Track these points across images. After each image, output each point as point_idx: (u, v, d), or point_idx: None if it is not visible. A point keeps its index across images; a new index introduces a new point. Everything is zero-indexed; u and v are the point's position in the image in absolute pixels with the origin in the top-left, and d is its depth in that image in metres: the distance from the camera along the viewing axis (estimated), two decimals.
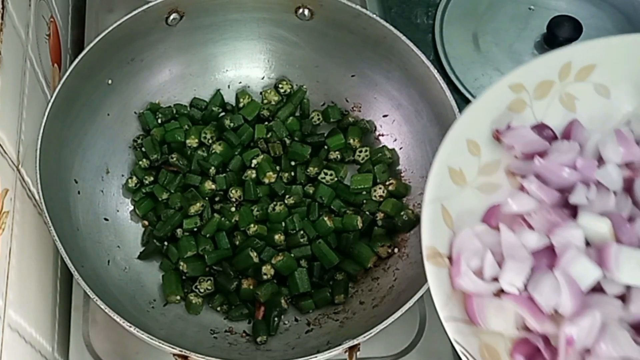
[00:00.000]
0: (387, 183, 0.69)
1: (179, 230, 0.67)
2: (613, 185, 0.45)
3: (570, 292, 0.40)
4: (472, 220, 0.45)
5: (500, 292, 0.42)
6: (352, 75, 0.72)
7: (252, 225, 0.67)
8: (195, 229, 0.67)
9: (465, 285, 0.42)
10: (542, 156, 0.46)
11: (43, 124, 0.58)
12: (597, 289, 0.41)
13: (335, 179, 0.70)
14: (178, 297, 0.65)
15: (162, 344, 0.52)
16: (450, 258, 0.43)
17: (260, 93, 0.75)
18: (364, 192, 0.70)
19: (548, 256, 0.42)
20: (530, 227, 0.44)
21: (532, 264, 0.42)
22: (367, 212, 0.68)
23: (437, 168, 0.45)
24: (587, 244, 0.43)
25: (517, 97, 0.47)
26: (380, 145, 0.72)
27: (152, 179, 0.70)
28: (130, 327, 0.53)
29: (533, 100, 0.48)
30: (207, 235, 0.67)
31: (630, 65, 0.47)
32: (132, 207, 0.70)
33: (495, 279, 0.42)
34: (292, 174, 0.71)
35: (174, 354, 0.53)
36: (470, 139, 0.46)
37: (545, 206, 0.44)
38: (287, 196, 0.69)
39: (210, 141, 0.71)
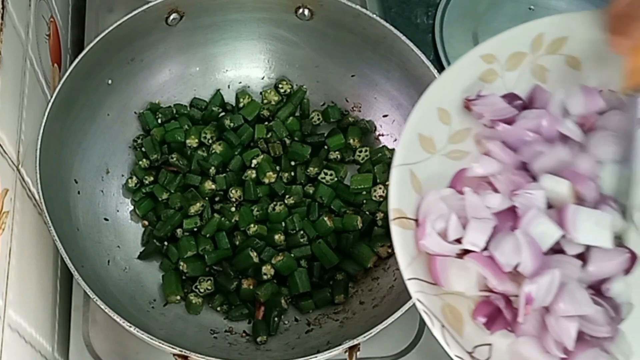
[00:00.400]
0: (387, 183, 0.69)
1: (179, 230, 0.67)
2: (575, 134, 0.45)
3: (531, 252, 0.41)
4: (440, 185, 0.46)
5: (464, 254, 0.43)
6: (352, 75, 0.72)
7: (252, 225, 0.67)
8: (195, 229, 0.67)
9: (429, 246, 0.42)
10: (510, 124, 0.46)
11: (43, 124, 0.58)
12: (558, 250, 0.42)
13: (335, 179, 0.70)
14: (178, 297, 0.65)
15: (162, 344, 0.52)
16: (416, 221, 0.44)
17: (260, 93, 0.75)
18: (364, 192, 0.70)
19: (511, 218, 0.43)
20: (495, 190, 0.45)
21: (494, 225, 0.42)
22: (367, 212, 0.68)
23: (407, 134, 0.45)
24: (550, 206, 0.44)
25: (489, 67, 0.48)
26: (380, 145, 0.72)
27: (152, 179, 0.70)
28: (130, 327, 0.53)
29: (504, 71, 0.48)
30: (207, 235, 0.67)
31: (600, 37, 0.47)
32: (132, 207, 0.70)
33: (459, 241, 0.42)
34: (292, 174, 0.71)
35: (174, 354, 0.53)
36: (441, 108, 0.47)
37: (509, 168, 0.45)
38: (287, 196, 0.69)
39: (210, 141, 0.71)
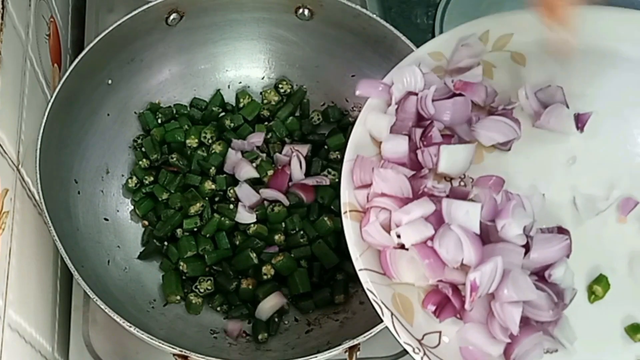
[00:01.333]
0: None
1: (179, 230, 0.67)
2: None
3: (472, 244, 0.42)
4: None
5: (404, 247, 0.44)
6: (352, 75, 0.72)
7: (252, 225, 0.67)
8: (195, 229, 0.67)
9: (371, 233, 0.44)
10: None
11: (43, 124, 0.58)
12: (503, 239, 0.43)
13: (336, 179, 0.70)
14: (178, 297, 0.65)
15: (162, 344, 0.52)
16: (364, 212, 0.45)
17: (260, 93, 0.75)
18: None
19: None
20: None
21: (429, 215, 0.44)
22: None
23: (357, 131, 0.47)
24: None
25: (437, 64, 0.49)
26: None
27: (152, 179, 0.70)
28: (130, 327, 0.53)
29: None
30: (207, 235, 0.67)
31: (543, 34, 0.48)
32: (132, 207, 0.70)
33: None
34: None
35: (174, 354, 0.53)
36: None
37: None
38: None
39: (210, 141, 0.71)
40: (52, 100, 0.59)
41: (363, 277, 0.43)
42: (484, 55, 0.50)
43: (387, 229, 0.44)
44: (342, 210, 0.45)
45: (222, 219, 0.67)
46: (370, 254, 0.44)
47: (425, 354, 0.41)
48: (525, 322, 0.42)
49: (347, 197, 0.45)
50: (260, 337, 0.63)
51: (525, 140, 0.49)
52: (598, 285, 0.46)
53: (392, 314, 0.42)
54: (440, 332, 0.43)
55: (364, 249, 0.44)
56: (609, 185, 0.49)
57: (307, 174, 0.70)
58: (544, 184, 0.48)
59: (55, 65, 0.71)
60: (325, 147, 0.72)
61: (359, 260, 0.43)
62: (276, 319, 0.65)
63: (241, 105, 0.74)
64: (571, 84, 0.49)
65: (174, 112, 0.73)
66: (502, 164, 0.48)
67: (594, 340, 0.44)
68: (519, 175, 0.48)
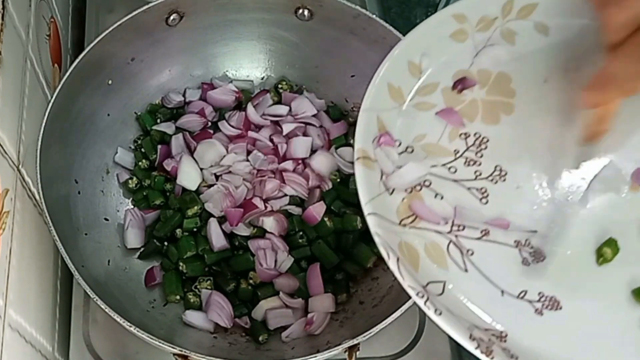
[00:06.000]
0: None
1: (178, 231, 0.67)
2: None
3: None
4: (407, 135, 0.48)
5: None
6: (352, 76, 0.72)
7: None
8: (195, 229, 0.67)
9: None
10: None
11: (43, 124, 0.58)
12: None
13: (337, 179, 0.70)
14: (178, 297, 0.65)
15: (162, 344, 0.52)
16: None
17: None
18: None
19: None
20: None
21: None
22: None
23: (377, 82, 0.48)
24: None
25: (460, 27, 0.50)
26: None
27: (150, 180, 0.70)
28: (130, 327, 0.53)
29: (475, 31, 0.50)
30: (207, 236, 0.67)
31: (567, 6, 0.49)
32: (132, 207, 0.70)
33: None
34: None
35: (174, 354, 0.53)
36: (411, 61, 0.49)
37: None
38: None
39: None
40: (52, 101, 0.59)
41: (371, 221, 0.43)
42: (508, 22, 0.50)
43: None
44: (355, 157, 0.45)
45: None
46: (380, 200, 0.44)
47: (428, 299, 0.41)
48: None
49: (362, 143, 0.45)
50: (260, 337, 0.63)
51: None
52: (608, 248, 0.46)
53: (397, 258, 0.42)
54: (444, 282, 0.43)
55: (373, 195, 0.44)
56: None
57: None
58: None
59: (56, 65, 0.71)
60: None
61: (369, 204, 0.43)
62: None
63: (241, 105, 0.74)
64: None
65: (174, 112, 0.73)
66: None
67: (599, 302, 0.44)
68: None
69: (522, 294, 0.44)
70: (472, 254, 0.45)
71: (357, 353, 0.55)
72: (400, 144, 0.47)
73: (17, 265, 0.52)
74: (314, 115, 0.72)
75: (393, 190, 0.46)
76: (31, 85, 0.60)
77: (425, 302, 0.41)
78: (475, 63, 0.50)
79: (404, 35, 0.64)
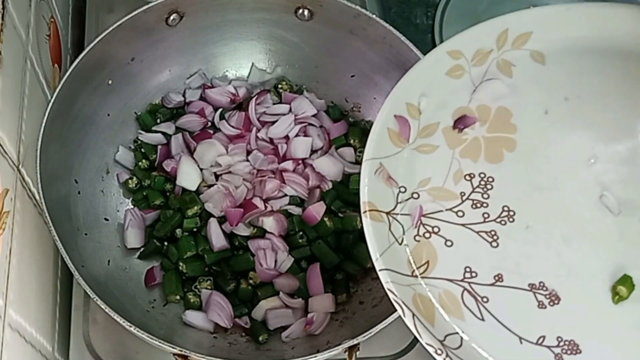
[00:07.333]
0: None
1: (178, 231, 0.67)
2: None
3: None
4: (411, 180, 0.47)
5: None
6: (352, 76, 0.72)
7: None
8: (195, 229, 0.67)
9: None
10: None
11: (43, 124, 0.58)
12: None
13: (337, 179, 0.70)
14: (178, 297, 0.65)
15: (162, 344, 0.52)
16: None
17: None
18: None
19: None
20: None
21: None
22: None
23: (377, 129, 0.47)
24: None
25: (456, 63, 0.49)
26: None
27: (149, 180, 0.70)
28: (130, 327, 0.53)
29: (471, 66, 0.50)
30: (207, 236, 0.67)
31: (563, 32, 0.49)
32: (132, 207, 0.70)
33: None
34: None
35: (174, 354, 0.53)
36: (409, 103, 0.48)
37: None
38: None
39: None
40: (52, 101, 0.59)
41: (384, 277, 0.43)
42: (504, 54, 0.50)
43: None
44: (362, 210, 0.44)
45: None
46: (390, 254, 0.44)
47: (447, 355, 0.41)
48: None
49: (367, 196, 0.45)
50: (260, 337, 0.63)
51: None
52: (622, 286, 0.45)
53: (413, 314, 0.41)
54: (462, 334, 0.42)
55: (383, 249, 0.44)
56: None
57: None
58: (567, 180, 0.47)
59: (56, 65, 0.71)
60: None
61: (380, 260, 0.43)
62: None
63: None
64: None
65: (174, 112, 0.73)
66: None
67: (618, 342, 0.43)
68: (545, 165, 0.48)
69: (540, 340, 0.43)
70: (487, 301, 0.44)
71: (357, 353, 0.55)
72: (405, 191, 0.47)
73: (17, 265, 0.52)
74: (314, 115, 0.72)
75: (402, 240, 0.45)
76: (31, 85, 0.60)
77: (444, 359, 0.40)
78: (474, 99, 0.49)
79: (404, 35, 0.64)
